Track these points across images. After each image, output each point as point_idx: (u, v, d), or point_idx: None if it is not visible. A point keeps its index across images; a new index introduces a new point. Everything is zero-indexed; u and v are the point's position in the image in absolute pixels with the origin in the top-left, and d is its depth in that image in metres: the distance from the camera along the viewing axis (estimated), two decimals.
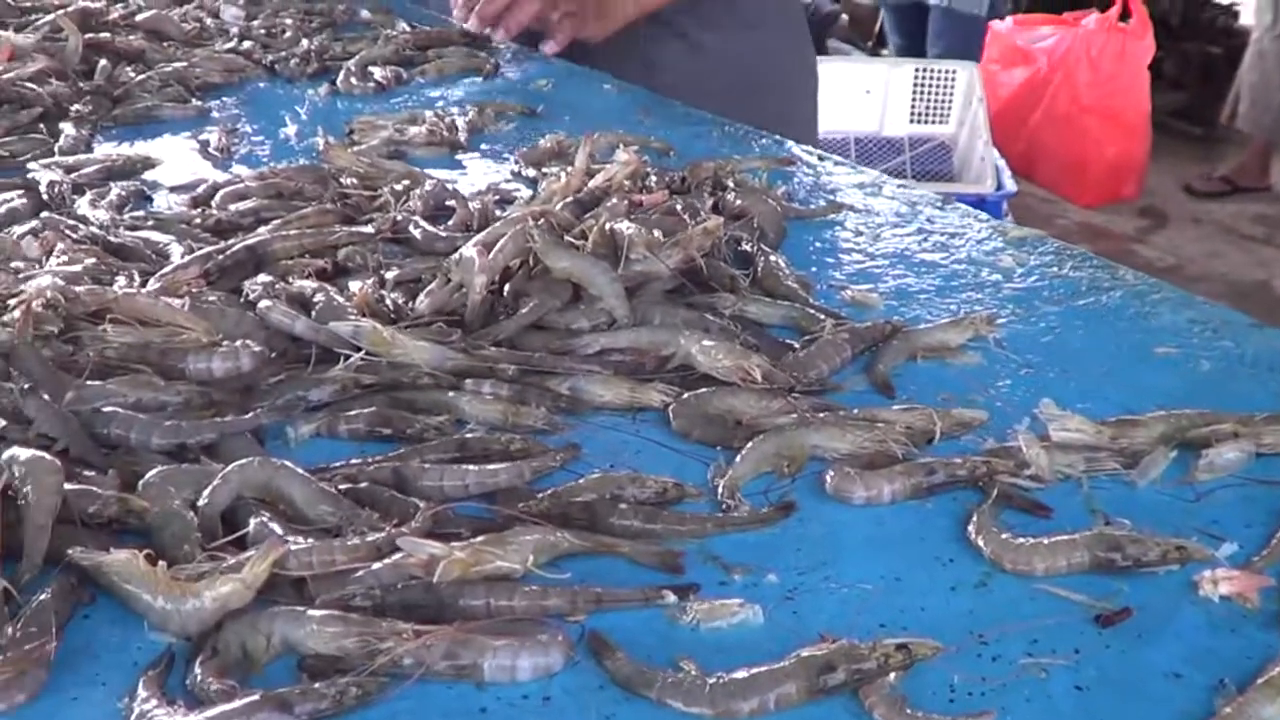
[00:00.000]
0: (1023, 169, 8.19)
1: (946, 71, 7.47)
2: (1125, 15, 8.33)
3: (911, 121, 7.61)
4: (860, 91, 7.60)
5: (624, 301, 2.02)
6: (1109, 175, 8.80)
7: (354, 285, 2.12)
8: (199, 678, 1.34)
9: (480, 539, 1.51)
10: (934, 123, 7.61)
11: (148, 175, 2.80)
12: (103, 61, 3.38)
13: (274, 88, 3.47)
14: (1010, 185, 6.64)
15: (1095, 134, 8.57)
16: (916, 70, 7.56)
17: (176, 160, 2.90)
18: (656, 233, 2.14)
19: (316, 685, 1.32)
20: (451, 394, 1.87)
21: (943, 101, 7.55)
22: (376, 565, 1.48)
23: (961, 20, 8.12)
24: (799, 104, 3.73)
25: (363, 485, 1.65)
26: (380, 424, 1.81)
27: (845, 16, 10.19)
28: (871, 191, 2.67)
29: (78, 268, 2.09)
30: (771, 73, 3.63)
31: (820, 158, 2.87)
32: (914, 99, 7.59)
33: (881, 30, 9.82)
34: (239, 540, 1.54)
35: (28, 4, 3.79)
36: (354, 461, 1.73)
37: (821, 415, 1.82)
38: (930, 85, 7.53)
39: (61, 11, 3.54)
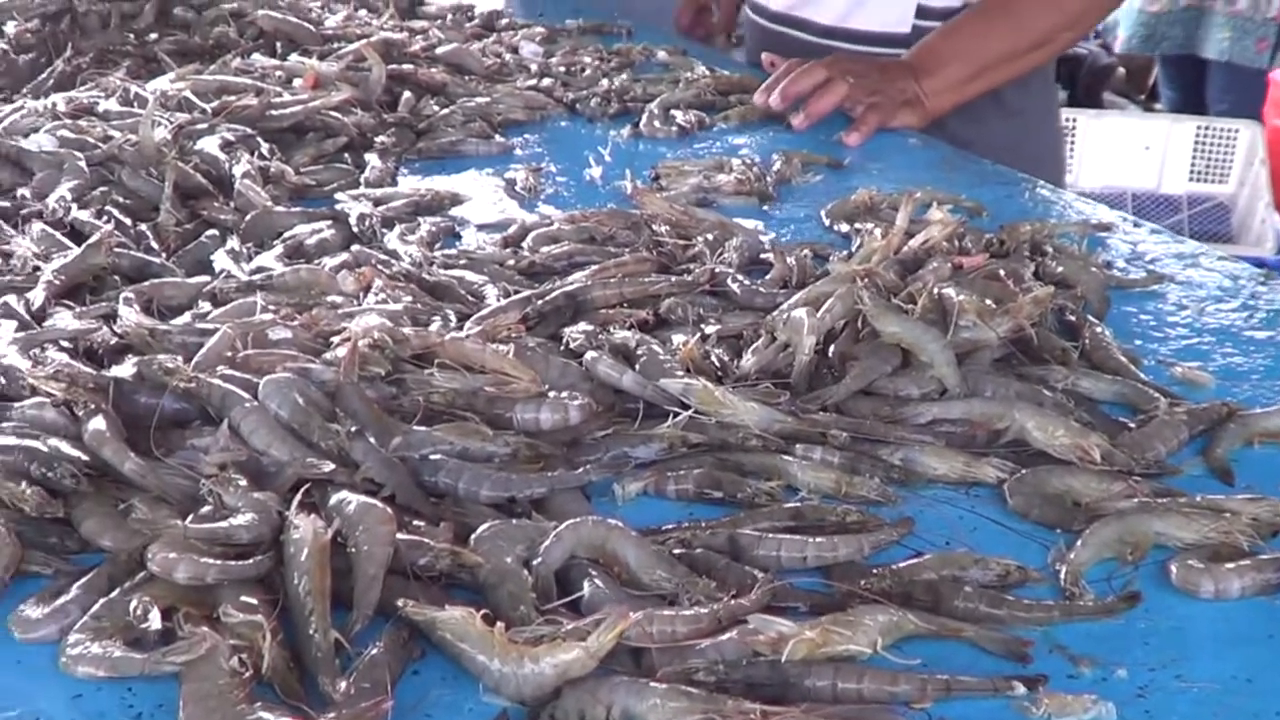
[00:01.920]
0: None
1: (1228, 130, 7.29)
2: None
3: (1190, 179, 7.42)
4: (1139, 147, 7.43)
5: (955, 370, 1.97)
6: None
7: (676, 338, 2.09)
8: None
9: (827, 618, 1.46)
10: (1213, 182, 7.42)
11: (455, 211, 2.81)
12: (406, 94, 3.44)
13: (575, 127, 3.49)
14: None
15: None
16: (1198, 128, 7.38)
17: (482, 197, 2.93)
18: (987, 300, 2.06)
19: None
20: (781, 458, 1.82)
21: (1223, 160, 7.36)
22: (720, 638, 1.43)
23: (1242, 75, 7.89)
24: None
25: (697, 551, 1.62)
26: (710, 486, 1.78)
27: (1121, 69, 9.98)
28: (1190, 262, 2.57)
29: (398, 307, 2.08)
30: (1030, 160, 3.55)
31: (1135, 224, 2.77)
32: (1194, 157, 7.41)
33: (1155, 83, 9.60)
34: (573, 602, 1.51)
35: (329, 32, 3.81)
36: (686, 525, 1.70)
37: (1164, 501, 1.74)
38: (1211, 143, 7.35)
39: (365, 42, 3.58)
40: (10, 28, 3.76)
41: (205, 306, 2.18)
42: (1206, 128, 7.37)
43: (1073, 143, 7.31)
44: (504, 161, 3.17)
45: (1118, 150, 7.34)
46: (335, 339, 1.94)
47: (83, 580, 1.54)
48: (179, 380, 1.79)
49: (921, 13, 3.51)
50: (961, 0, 3.45)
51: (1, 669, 1.46)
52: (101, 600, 1.50)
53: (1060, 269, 2.39)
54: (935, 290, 2.08)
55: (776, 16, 3.85)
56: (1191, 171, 7.43)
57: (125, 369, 1.85)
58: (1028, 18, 3.30)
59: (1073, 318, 2.24)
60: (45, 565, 1.61)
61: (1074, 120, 7.45)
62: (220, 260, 2.38)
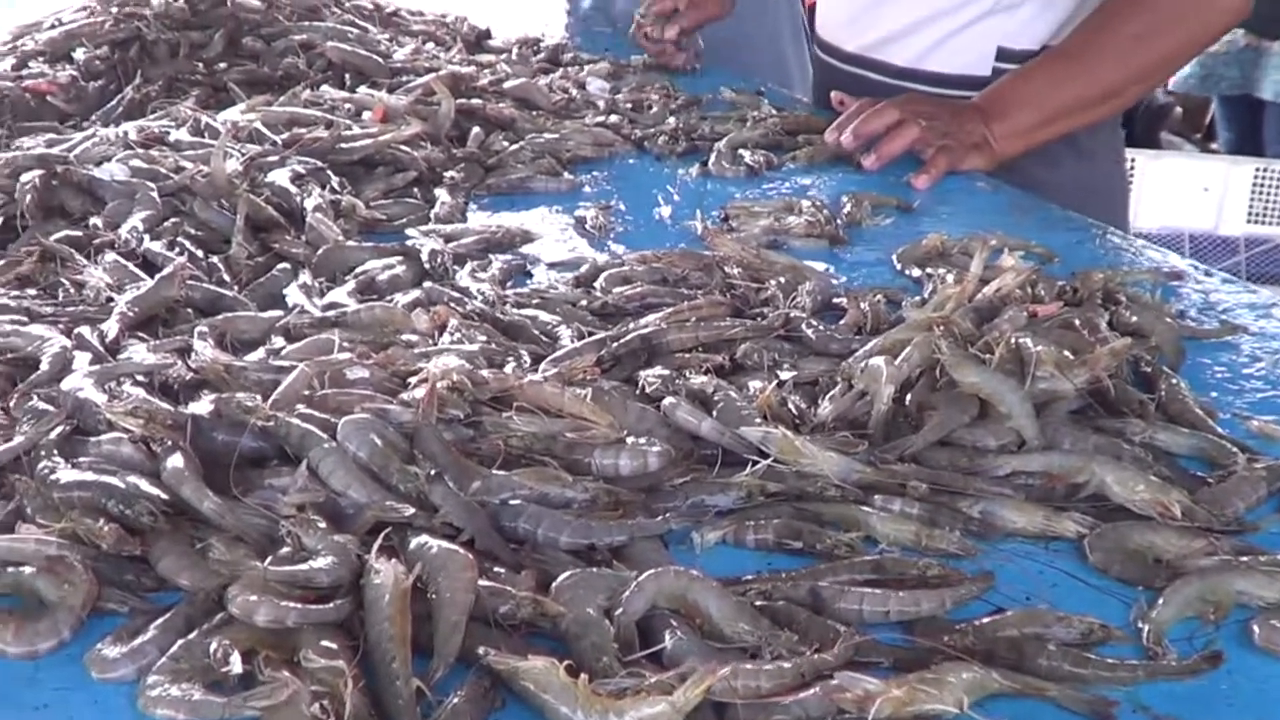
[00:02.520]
0: None
1: None
2: None
3: (1249, 221, 7.39)
4: (1198, 188, 7.41)
5: (1034, 422, 1.95)
6: None
7: (753, 384, 2.07)
8: None
9: (913, 675, 1.44)
10: (1272, 223, 7.38)
11: (525, 249, 2.82)
12: (475, 129, 3.45)
13: (643, 164, 3.49)
14: None
15: None
16: (1256, 169, 7.36)
17: (552, 235, 2.93)
18: (1064, 351, 2.04)
19: None
20: (860, 509, 1.81)
21: None
22: (804, 694, 1.42)
23: None
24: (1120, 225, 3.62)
25: (779, 603, 1.60)
26: (790, 536, 1.76)
27: (1178, 108, 9.95)
28: (1263, 313, 2.54)
29: (473, 347, 2.07)
30: (1099, 201, 3.54)
31: (1207, 273, 2.75)
32: (1252, 198, 7.38)
33: (1212, 122, 9.57)
34: (654, 654, 1.50)
35: (398, 64, 3.82)
36: (766, 575, 1.68)
37: (1245, 559, 1.72)
38: (1270, 185, 7.33)
39: (433, 75, 3.59)
40: (80, 54, 3.78)
41: (278, 342, 2.19)
42: (1265, 169, 7.36)
43: (1131, 183, 7.29)
44: (572, 199, 3.17)
45: (1176, 191, 7.32)
46: (412, 379, 1.93)
47: (160, 620, 1.54)
48: (257, 419, 1.79)
49: (1002, 55, 3.50)
50: (1040, 43, 3.44)
51: (78, 708, 1.46)
52: (180, 641, 1.50)
53: (1134, 319, 2.36)
54: (1013, 340, 2.06)
55: (850, 58, 3.84)
56: (1250, 213, 7.41)
57: (203, 406, 1.85)
58: (1100, 69, 3.28)
59: (1148, 369, 2.22)
60: (122, 603, 1.60)
61: (1133, 160, 7.43)
62: (293, 295, 2.39)
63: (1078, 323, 2.25)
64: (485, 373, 1.95)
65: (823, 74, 4.05)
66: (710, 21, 4.55)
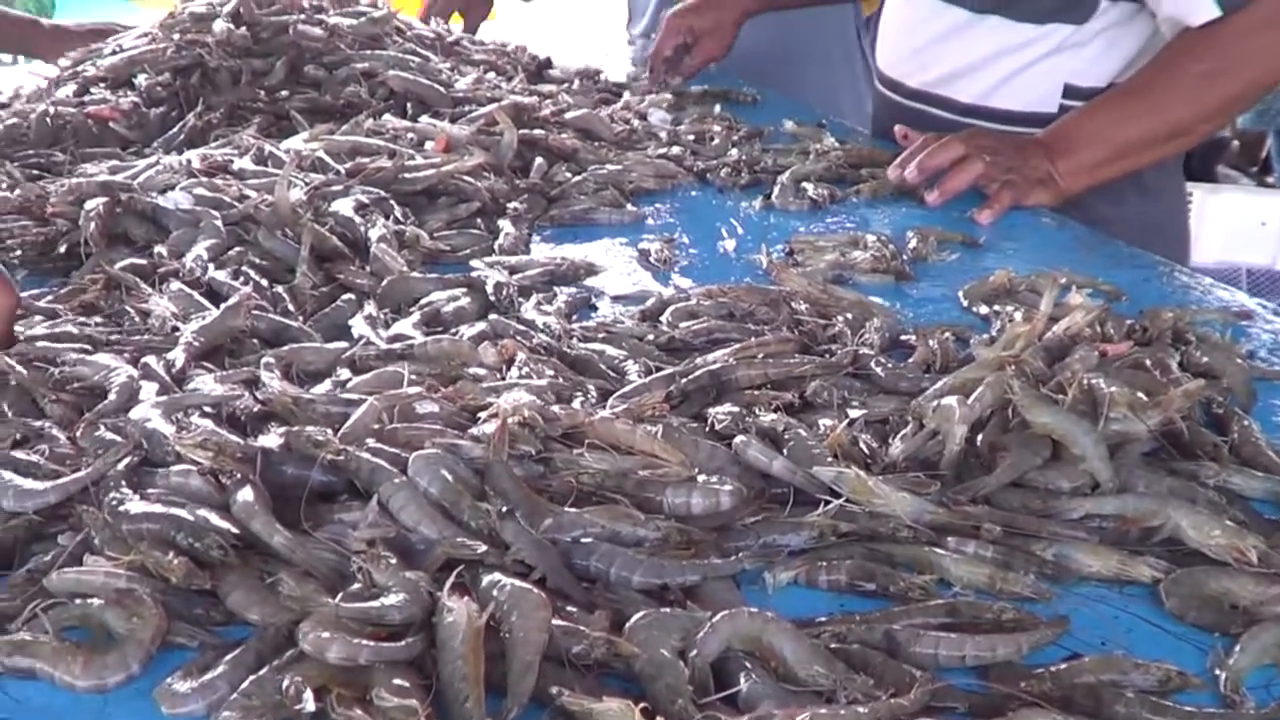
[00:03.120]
0: None
1: None
2: None
3: None
4: (1255, 223, 7.36)
5: (1108, 465, 1.93)
6: None
7: (823, 422, 2.06)
8: None
9: None
10: None
11: (589, 281, 2.81)
12: (539, 160, 3.45)
13: (706, 196, 3.48)
14: None
15: None
16: None
17: (616, 267, 2.92)
18: (1139, 393, 2.03)
19: None
20: (933, 551, 1.80)
21: None
22: None
23: None
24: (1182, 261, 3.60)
25: (853, 646, 1.59)
26: (863, 577, 1.76)
27: (1235, 142, 9.90)
28: None
29: (542, 382, 2.06)
30: (1163, 237, 3.52)
31: (1276, 312, 2.72)
32: None
33: (1269, 156, 9.51)
34: (729, 696, 1.49)
35: (460, 94, 3.82)
36: (839, 617, 1.67)
37: None
38: None
39: (496, 106, 3.58)
40: (142, 80, 3.79)
41: (344, 373, 2.18)
42: None
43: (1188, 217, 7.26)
44: (635, 230, 3.17)
45: (1233, 225, 7.28)
46: (482, 414, 1.93)
47: (231, 655, 1.54)
48: (327, 453, 1.79)
49: (1069, 92, 3.50)
50: (1108, 80, 3.43)
51: None
52: (251, 677, 1.50)
53: (1205, 359, 2.35)
54: (1085, 380, 2.04)
55: (913, 93, 3.85)
56: None
57: (272, 439, 1.85)
58: (1166, 107, 3.27)
59: (1220, 410, 2.20)
60: (191, 637, 1.60)
61: (1190, 195, 7.39)
62: (358, 327, 2.39)
63: (1148, 363, 2.24)
64: (556, 409, 1.94)
65: (884, 109, 4.05)
66: (710, 63, 4.70)
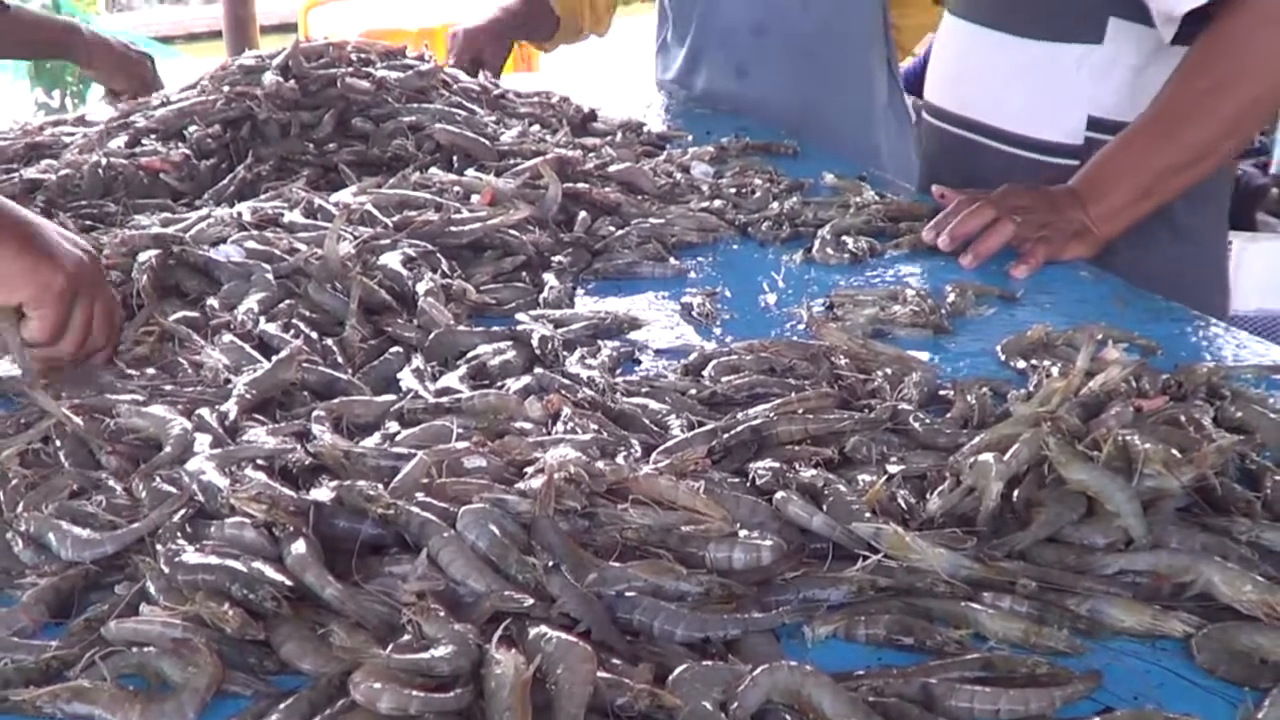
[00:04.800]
0: None
1: None
2: None
3: None
4: None
5: (1142, 521, 1.95)
6: None
7: (862, 477, 2.09)
8: None
9: None
10: None
11: (632, 335, 2.85)
12: (582, 214, 3.48)
13: (747, 250, 3.51)
14: None
15: None
16: None
17: (659, 321, 2.96)
18: (1173, 449, 2.05)
19: None
20: (969, 605, 1.83)
21: None
22: None
23: None
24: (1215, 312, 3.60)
25: (890, 700, 1.62)
26: (901, 632, 1.79)
27: (1275, 189, 9.88)
28: None
29: (587, 437, 2.10)
30: (1198, 281, 3.55)
31: None
32: None
33: None
34: None
35: (505, 147, 3.87)
36: (877, 671, 1.71)
37: None
38: None
39: (541, 159, 3.61)
40: (192, 132, 3.85)
41: (393, 426, 2.23)
42: None
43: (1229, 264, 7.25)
44: (678, 284, 3.20)
45: (1273, 273, 7.26)
46: (528, 469, 1.97)
47: (284, 704, 1.59)
48: (378, 507, 1.83)
49: (1097, 125, 3.58)
50: (1135, 113, 3.44)
51: None
52: None
53: (1239, 414, 2.35)
54: (1120, 437, 2.07)
55: (954, 119, 3.97)
56: None
57: (324, 493, 1.89)
58: (1182, 132, 3.28)
59: (1253, 466, 2.21)
60: (245, 686, 1.65)
61: (1230, 242, 7.39)
62: (406, 380, 2.43)
63: (1183, 418, 2.26)
64: (601, 464, 1.98)
65: (932, 140, 4.15)
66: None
